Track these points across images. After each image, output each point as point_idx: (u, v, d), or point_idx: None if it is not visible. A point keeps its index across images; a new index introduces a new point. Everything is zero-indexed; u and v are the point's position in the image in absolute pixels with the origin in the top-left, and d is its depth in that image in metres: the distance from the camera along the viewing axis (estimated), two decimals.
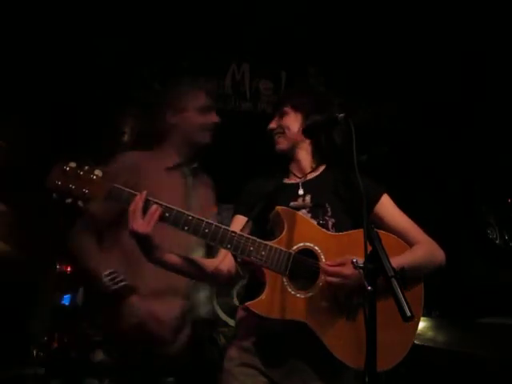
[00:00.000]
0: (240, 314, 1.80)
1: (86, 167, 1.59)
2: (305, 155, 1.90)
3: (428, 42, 3.73)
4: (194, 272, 1.74)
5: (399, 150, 4.23)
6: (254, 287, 1.66)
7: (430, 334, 3.11)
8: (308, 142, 1.89)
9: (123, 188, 1.58)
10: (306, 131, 1.75)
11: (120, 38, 3.58)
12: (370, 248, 1.31)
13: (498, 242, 4.24)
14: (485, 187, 4.34)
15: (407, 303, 1.17)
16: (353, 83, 3.95)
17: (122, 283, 1.98)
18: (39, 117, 4.32)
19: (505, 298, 3.45)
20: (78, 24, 3.46)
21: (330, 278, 1.57)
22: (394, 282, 1.20)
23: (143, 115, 4.47)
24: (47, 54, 3.57)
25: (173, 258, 1.68)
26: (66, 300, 8.46)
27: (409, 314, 1.15)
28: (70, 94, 3.91)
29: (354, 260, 1.39)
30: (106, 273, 1.98)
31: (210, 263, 1.77)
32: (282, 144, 1.90)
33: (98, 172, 1.59)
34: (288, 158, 1.93)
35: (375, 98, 4.10)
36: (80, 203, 1.57)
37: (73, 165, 1.59)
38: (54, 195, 1.57)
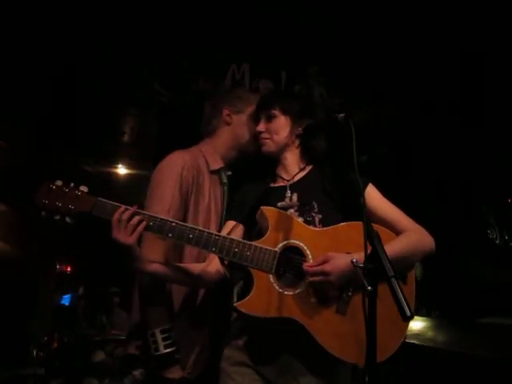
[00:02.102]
0: (234, 313, 1.81)
1: (72, 184, 1.65)
2: (292, 158, 1.89)
3: (428, 42, 3.73)
4: (181, 278, 1.76)
5: (399, 149, 4.23)
6: (248, 287, 1.66)
7: (430, 333, 3.11)
8: (296, 144, 1.88)
9: (107, 201, 1.63)
10: (307, 131, 1.75)
11: (120, 38, 3.58)
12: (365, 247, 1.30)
13: (497, 241, 4.24)
14: (485, 187, 4.34)
15: (407, 303, 1.17)
16: (353, 83, 3.95)
17: (172, 348, 1.76)
18: (39, 117, 4.32)
19: (505, 297, 3.45)
20: (78, 24, 3.46)
21: (312, 278, 1.59)
22: (394, 282, 1.20)
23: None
24: (47, 54, 3.57)
25: (156, 267, 1.71)
26: (66, 300, 8.49)
27: (409, 313, 1.16)
28: (70, 94, 3.91)
29: (354, 260, 1.39)
30: (163, 328, 1.77)
31: (196, 267, 1.78)
32: (269, 147, 1.88)
33: (83, 188, 1.65)
34: (275, 161, 1.92)
35: (375, 97, 4.10)
36: (68, 219, 1.62)
37: (59, 183, 1.64)
38: (43, 213, 1.62)
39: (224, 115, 2.10)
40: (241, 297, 1.70)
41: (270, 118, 1.87)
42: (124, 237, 1.57)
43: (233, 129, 2.10)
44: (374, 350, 1.22)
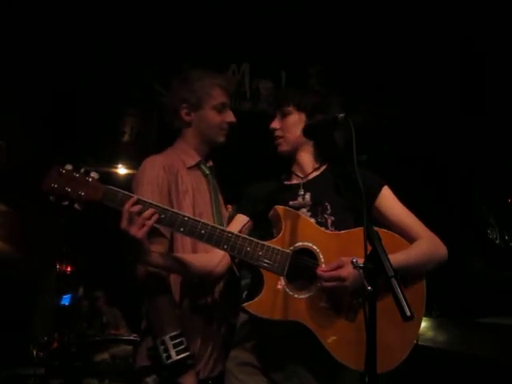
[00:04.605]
0: (242, 314, 1.78)
1: (82, 169, 1.58)
2: (307, 156, 1.86)
3: (428, 42, 3.73)
4: (187, 270, 1.72)
5: (399, 149, 4.23)
6: (256, 287, 1.63)
7: (430, 334, 3.11)
8: (311, 143, 1.85)
9: (118, 190, 1.56)
10: (306, 131, 1.73)
11: (120, 38, 3.58)
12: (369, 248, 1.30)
13: (497, 241, 4.24)
14: (485, 187, 4.34)
15: (407, 303, 1.16)
16: (353, 83, 3.95)
17: (185, 354, 1.69)
18: (39, 117, 4.32)
19: (505, 297, 3.45)
20: (78, 24, 3.46)
21: (327, 284, 1.53)
22: (394, 282, 1.20)
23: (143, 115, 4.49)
24: (47, 54, 3.57)
25: (161, 260, 1.65)
26: (66, 300, 8.48)
27: (409, 313, 1.15)
28: (70, 94, 3.91)
29: (354, 260, 1.37)
30: (172, 334, 1.70)
31: (203, 257, 1.75)
32: (284, 146, 1.85)
33: (93, 174, 1.58)
34: (290, 160, 1.89)
35: (375, 98, 4.10)
36: (77, 206, 1.55)
37: (69, 167, 1.58)
38: (51, 198, 1.55)
39: (183, 115, 2.02)
40: (249, 296, 1.68)
41: (284, 116, 1.84)
42: (134, 229, 1.51)
43: (195, 127, 2.03)
44: (375, 351, 1.21)
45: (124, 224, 1.52)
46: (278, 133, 1.85)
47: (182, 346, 1.69)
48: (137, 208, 1.53)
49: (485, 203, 4.34)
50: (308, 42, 3.75)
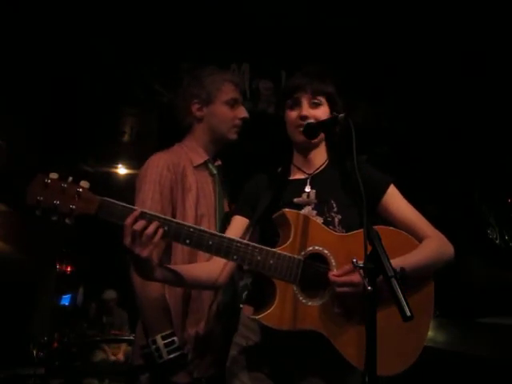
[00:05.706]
0: (243, 314, 1.73)
1: (70, 178, 1.40)
2: (321, 151, 1.80)
3: (428, 43, 3.73)
4: (189, 281, 1.63)
5: (399, 149, 4.23)
6: (262, 293, 1.59)
7: (430, 334, 3.11)
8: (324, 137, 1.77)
9: (115, 202, 1.41)
10: (306, 131, 1.71)
11: (120, 39, 3.59)
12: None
13: (497, 241, 4.25)
14: (485, 187, 4.34)
15: (407, 303, 1.16)
16: (353, 83, 3.95)
17: (178, 353, 1.70)
18: (39, 117, 4.32)
19: (505, 297, 3.45)
20: (79, 24, 3.46)
21: (340, 289, 1.49)
22: (394, 282, 1.19)
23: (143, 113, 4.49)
24: (48, 54, 3.57)
25: (166, 276, 1.56)
26: (66, 300, 8.50)
27: (408, 313, 1.15)
28: (71, 94, 3.91)
29: (354, 260, 1.34)
30: (164, 334, 1.70)
31: (209, 274, 1.67)
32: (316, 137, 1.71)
33: (83, 183, 1.40)
34: (302, 152, 1.79)
35: (375, 98, 4.10)
36: (67, 220, 1.39)
37: (54, 176, 1.38)
38: (37, 212, 1.36)
39: (194, 111, 1.98)
40: (250, 299, 1.65)
41: (315, 105, 1.72)
42: (139, 249, 1.39)
43: (207, 122, 1.99)
44: (374, 351, 1.21)
45: (128, 241, 1.39)
46: (310, 120, 1.68)
47: (174, 346, 1.69)
48: (140, 225, 1.39)
49: (485, 203, 4.35)
50: (308, 42, 3.75)
